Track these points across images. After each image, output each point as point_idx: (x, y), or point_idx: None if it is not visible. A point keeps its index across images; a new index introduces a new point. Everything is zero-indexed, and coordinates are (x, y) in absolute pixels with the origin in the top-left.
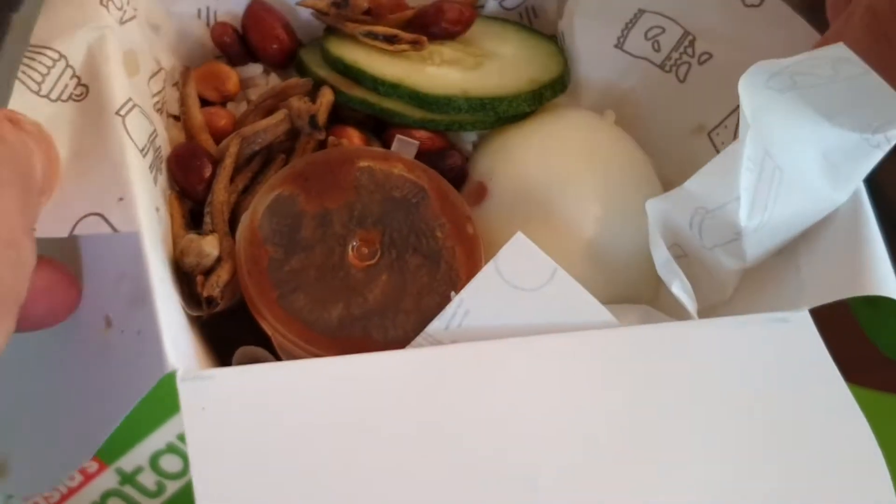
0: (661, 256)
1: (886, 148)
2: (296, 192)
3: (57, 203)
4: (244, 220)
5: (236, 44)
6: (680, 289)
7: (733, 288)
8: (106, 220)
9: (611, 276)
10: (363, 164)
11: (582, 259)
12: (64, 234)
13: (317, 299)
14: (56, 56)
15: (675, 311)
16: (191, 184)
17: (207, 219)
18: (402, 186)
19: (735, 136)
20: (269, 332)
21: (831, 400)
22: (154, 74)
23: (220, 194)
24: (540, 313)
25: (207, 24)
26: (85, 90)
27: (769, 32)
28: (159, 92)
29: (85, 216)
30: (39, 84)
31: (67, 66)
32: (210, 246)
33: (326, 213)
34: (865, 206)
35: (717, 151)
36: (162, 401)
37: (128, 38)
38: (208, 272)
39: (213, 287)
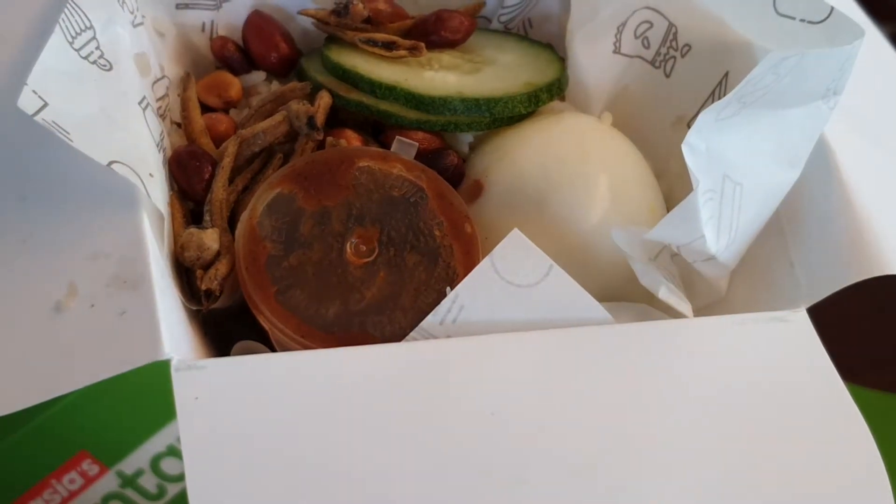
0: (640, 268)
1: (835, 102)
2: (295, 190)
3: (96, 137)
4: (243, 217)
5: (237, 56)
6: (668, 293)
7: (726, 286)
8: (141, 180)
9: (607, 275)
10: (362, 163)
11: (578, 256)
12: (103, 162)
13: (314, 296)
14: (88, 23)
15: (673, 310)
16: (191, 184)
17: (207, 217)
18: (400, 186)
19: None
20: (267, 326)
21: (829, 400)
22: (158, 80)
23: (219, 192)
24: (535, 310)
25: (210, 38)
26: (109, 65)
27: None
28: (163, 97)
29: (121, 164)
30: (73, 38)
31: (95, 37)
32: (210, 239)
33: (325, 211)
34: (842, 187)
35: None
36: (161, 404)
37: (138, 41)
38: (207, 266)
39: (212, 280)
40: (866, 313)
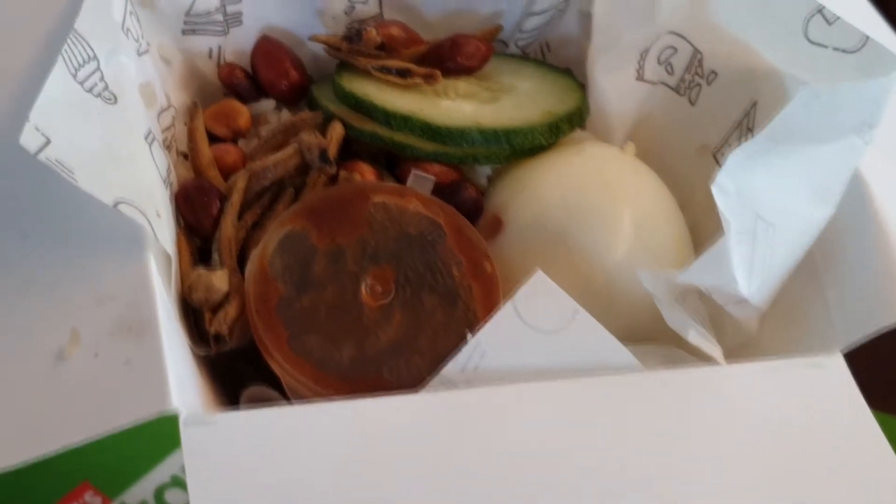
0: (667, 311)
1: (871, 136)
2: (307, 228)
3: (101, 175)
4: (253, 256)
5: (245, 83)
6: (697, 337)
7: (757, 326)
8: (148, 221)
9: (633, 314)
10: (377, 199)
11: (602, 295)
12: (108, 202)
13: (328, 339)
14: (91, 54)
15: (702, 352)
16: (199, 220)
17: (215, 255)
18: (417, 223)
19: None
20: (279, 372)
21: (868, 449)
22: (164, 110)
23: (228, 230)
24: (560, 356)
25: (218, 64)
26: (114, 98)
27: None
28: (168, 128)
29: (127, 204)
30: (76, 70)
31: (98, 68)
32: (220, 281)
33: (339, 249)
34: (878, 224)
35: None
36: (163, 437)
37: (143, 71)
38: (216, 308)
39: (221, 323)
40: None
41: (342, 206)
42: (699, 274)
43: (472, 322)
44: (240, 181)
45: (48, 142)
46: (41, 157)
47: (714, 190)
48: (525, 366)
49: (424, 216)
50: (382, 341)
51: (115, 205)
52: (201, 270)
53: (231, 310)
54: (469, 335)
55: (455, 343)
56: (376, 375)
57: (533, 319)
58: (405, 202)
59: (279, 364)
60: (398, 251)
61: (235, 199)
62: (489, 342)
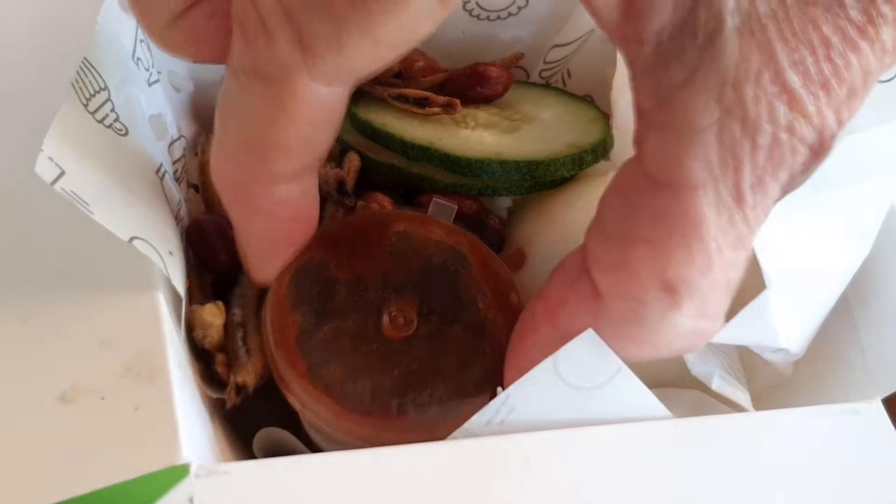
0: (692, 358)
1: None
2: (326, 258)
3: (116, 209)
4: (272, 288)
5: None
6: (722, 384)
7: (792, 369)
8: (161, 258)
9: (661, 360)
10: (399, 228)
11: None
12: (124, 237)
13: (349, 372)
14: (102, 84)
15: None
16: (213, 255)
17: (237, 310)
18: (440, 253)
19: None
20: (297, 407)
21: None
22: (174, 141)
23: (250, 286)
24: (593, 412)
25: None
26: (125, 129)
27: None
28: (179, 159)
29: (142, 240)
30: (88, 100)
31: (109, 98)
32: (209, 314)
33: (360, 280)
34: None
35: None
36: (173, 488)
37: (154, 102)
38: (226, 348)
39: (249, 374)
40: None
41: (362, 235)
42: (739, 331)
43: (499, 356)
44: None
45: (63, 172)
46: (56, 187)
47: (755, 245)
48: (554, 419)
49: (447, 245)
50: (405, 374)
51: (131, 240)
52: (195, 306)
53: (252, 368)
54: (500, 390)
55: (481, 378)
56: (399, 411)
57: (572, 377)
58: (427, 231)
59: (298, 398)
60: (421, 282)
61: None
62: (520, 397)
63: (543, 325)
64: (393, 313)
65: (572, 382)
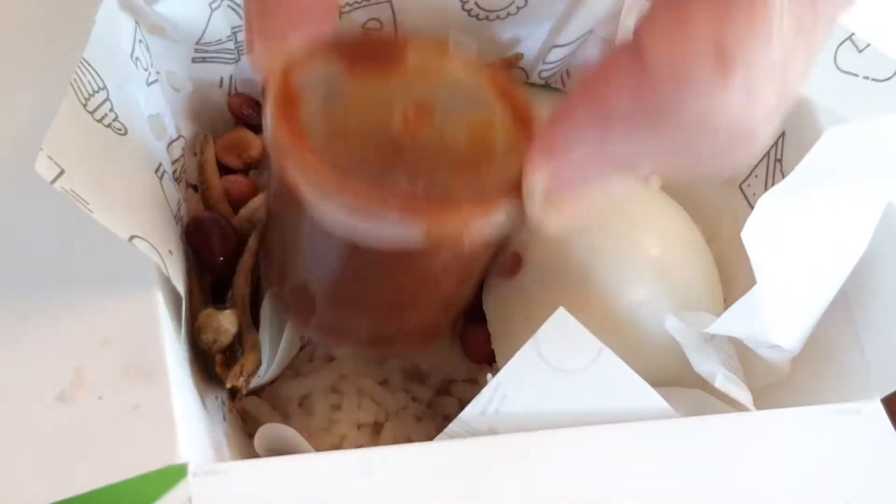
0: (695, 356)
1: None
2: (340, 56)
3: (116, 209)
4: (276, 76)
5: (256, 113)
6: (725, 382)
7: (789, 367)
8: (161, 258)
9: (660, 356)
10: (419, 44)
11: (627, 337)
12: (124, 236)
13: (356, 152)
14: (101, 84)
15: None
16: (213, 254)
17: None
18: (459, 69)
19: (766, 184)
20: (297, 178)
21: None
22: (173, 141)
23: (242, 287)
24: (584, 397)
25: (229, 94)
26: (124, 129)
27: None
28: (178, 159)
29: (142, 239)
30: (86, 99)
31: (108, 98)
32: (228, 322)
33: (371, 80)
34: None
35: (750, 203)
36: (170, 487)
37: (153, 101)
38: (225, 350)
39: (237, 377)
40: None
41: (375, 47)
42: (730, 324)
43: (518, 155)
44: (252, 241)
45: (62, 171)
46: (56, 186)
47: (744, 238)
48: (548, 407)
49: (467, 63)
50: (417, 163)
51: (131, 238)
52: (210, 310)
53: (248, 364)
54: (489, 377)
55: (495, 181)
56: (409, 187)
57: (555, 359)
58: (446, 54)
59: (299, 164)
60: (438, 92)
61: (247, 258)
62: (510, 384)
63: (580, 107)
64: (407, 112)
65: (556, 365)
